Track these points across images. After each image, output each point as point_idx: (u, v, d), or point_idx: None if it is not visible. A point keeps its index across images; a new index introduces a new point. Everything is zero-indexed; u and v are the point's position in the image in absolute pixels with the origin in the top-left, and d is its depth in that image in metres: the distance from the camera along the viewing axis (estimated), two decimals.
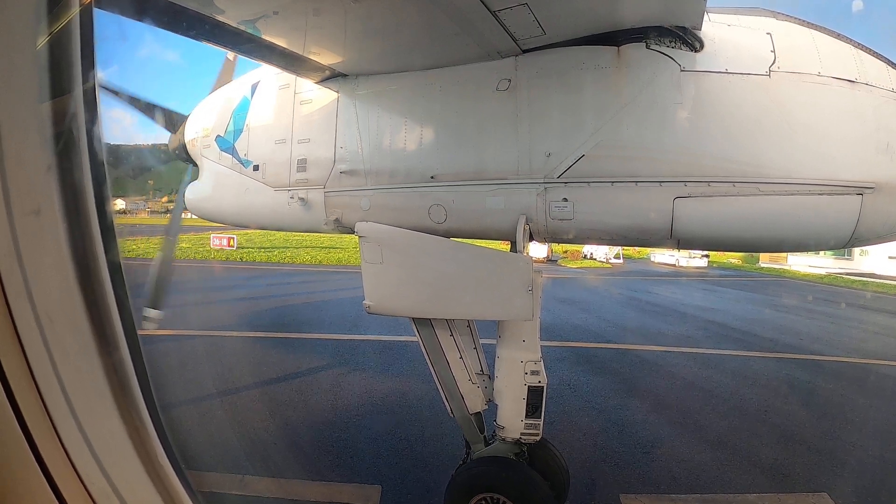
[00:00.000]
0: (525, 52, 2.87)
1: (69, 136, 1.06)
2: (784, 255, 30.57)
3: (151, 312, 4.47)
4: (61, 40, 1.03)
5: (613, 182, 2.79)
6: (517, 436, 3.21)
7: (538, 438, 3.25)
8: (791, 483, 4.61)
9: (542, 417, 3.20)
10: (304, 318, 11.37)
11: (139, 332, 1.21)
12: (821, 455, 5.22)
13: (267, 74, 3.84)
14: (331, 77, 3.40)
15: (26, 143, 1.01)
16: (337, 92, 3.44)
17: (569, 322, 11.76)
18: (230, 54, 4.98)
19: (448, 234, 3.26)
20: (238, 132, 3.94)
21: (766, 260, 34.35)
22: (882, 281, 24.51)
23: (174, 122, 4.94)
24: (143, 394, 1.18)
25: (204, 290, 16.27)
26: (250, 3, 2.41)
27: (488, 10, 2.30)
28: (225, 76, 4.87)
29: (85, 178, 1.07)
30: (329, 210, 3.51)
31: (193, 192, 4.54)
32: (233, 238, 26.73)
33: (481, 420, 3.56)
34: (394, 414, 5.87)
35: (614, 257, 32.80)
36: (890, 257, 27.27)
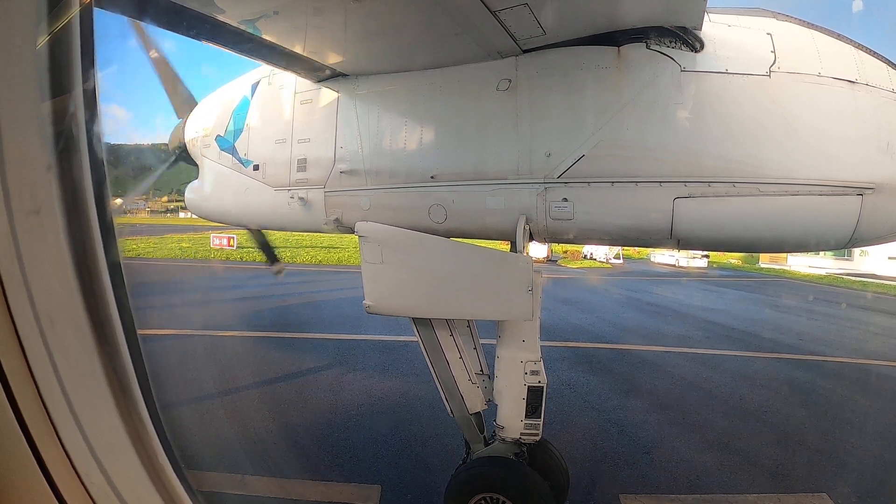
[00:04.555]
0: (525, 52, 2.87)
1: (69, 136, 1.06)
2: (784, 255, 30.60)
3: (275, 266, 5.77)
4: (61, 40, 1.03)
5: (613, 182, 2.79)
6: (517, 436, 3.21)
7: (538, 438, 3.25)
8: (791, 483, 4.61)
9: (542, 417, 3.20)
10: (304, 318, 11.37)
11: (139, 332, 1.21)
12: (821, 455, 5.22)
13: (267, 74, 3.84)
14: (331, 77, 3.40)
15: (26, 142, 1.01)
16: (337, 92, 3.44)
17: (569, 322, 11.75)
18: (153, 53, 4.87)
19: (448, 234, 3.26)
20: (238, 132, 3.94)
21: (766, 260, 34.39)
22: (882, 281, 24.51)
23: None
24: (142, 393, 1.18)
25: (204, 290, 16.28)
26: (251, 2, 2.41)
27: (488, 10, 2.30)
28: (165, 75, 4.84)
29: (85, 178, 1.08)
30: (329, 210, 3.51)
31: (193, 192, 4.54)
32: (233, 238, 26.70)
33: (481, 420, 3.56)
34: (393, 414, 5.86)
35: (614, 257, 32.82)
36: (890, 258, 27.29)
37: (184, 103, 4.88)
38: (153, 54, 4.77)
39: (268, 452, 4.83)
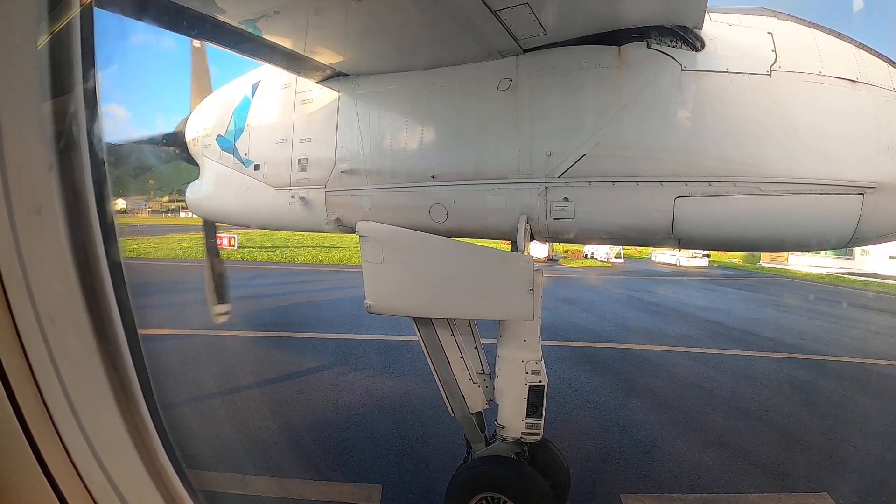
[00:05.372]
0: (526, 51, 2.86)
1: (70, 136, 1.06)
2: (785, 254, 30.58)
3: (220, 308, 4.89)
4: (62, 40, 1.03)
5: (614, 182, 2.79)
6: (518, 435, 3.21)
7: (539, 438, 3.25)
8: (792, 483, 4.61)
9: (543, 417, 3.20)
10: (305, 318, 11.38)
11: (139, 332, 1.21)
12: (822, 455, 5.22)
13: (268, 74, 3.84)
14: (332, 76, 3.40)
15: (27, 142, 1.01)
16: (338, 91, 3.44)
17: (570, 321, 11.75)
18: (196, 42, 4.96)
19: (449, 234, 3.26)
20: (239, 132, 3.94)
21: (767, 259, 34.36)
22: (883, 281, 24.49)
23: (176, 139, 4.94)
24: (143, 393, 1.19)
25: (205, 290, 16.26)
26: (251, 2, 2.40)
27: (489, 9, 2.29)
28: (199, 64, 4.92)
29: (86, 178, 1.08)
30: (330, 209, 3.51)
31: (194, 192, 4.54)
32: (234, 238, 26.74)
33: (482, 419, 3.56)
34: (394, 413, 5.87)
35: (615, 257, 32.82)
36: (891, 257, 27.27)
37: (202, 98, 4.93)
38: (196, 43, 4.93)
39: (269, 452, 4.84)
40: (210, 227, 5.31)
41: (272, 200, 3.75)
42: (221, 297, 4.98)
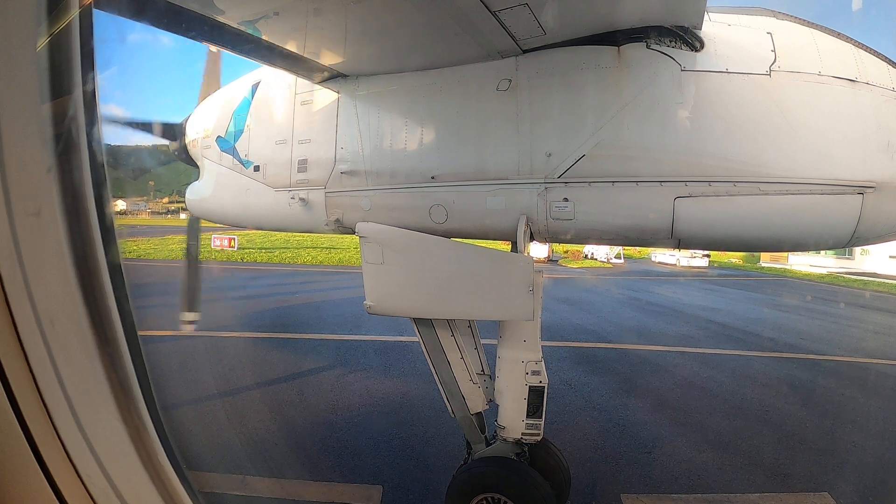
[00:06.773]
0: (525, 52, 2.87)
1: (69, 138, 1.06)
2: (785, 254, 30.57)
3: (189, 315, 4.57)
4: (61, 41, 1.03)
5: (614, 182, 2.79)
6: (518, 436, 3.21)
7: (539, 438, 3.25)
8: (792, 483, 4.60)
9: (543, 417, 3.20)
10: (305, 319, 11.37)
11: (139, 333, 1.21)
12: (822, 454, 5.22)
13: (267, 75, 3.85)
14: (331, 77, 3.40)
15: (27, 144, 1.01)
16: (337, 92, 3.44)
17: (570, 322, 11.75)
18: (213, 46, 4.99)
19: (449, 235, 3.26)
20: (239, 133, 3.94)
21: (766, 259, 34.35)
22: (883, 280, 24.49)
23: (174, 132, 4.94)
24: (143, 394, 1.19)
25: (204, 291, 16.26)
26: (251, 3, 2.41)
27: (488, 10, 2.30)
28: (211, 69, 4.92)
29: (85, 180, 1.08)
30: (330, 210, 3.51)
31: (194, 193, 4.54)
32: (233, 239, 26.76)
33: (482, 420, 3.57)
34: (395, 414, 5.86)
35: (615, 257, 32.81)
36: (891, 256, 27.24)
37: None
38: (213, 48, 4.97)
39: (269, 453, 4.84)
40: (193, 230, 5.27)
41: (272, 201, 3.75)
42: (193, 304, 4.97)
